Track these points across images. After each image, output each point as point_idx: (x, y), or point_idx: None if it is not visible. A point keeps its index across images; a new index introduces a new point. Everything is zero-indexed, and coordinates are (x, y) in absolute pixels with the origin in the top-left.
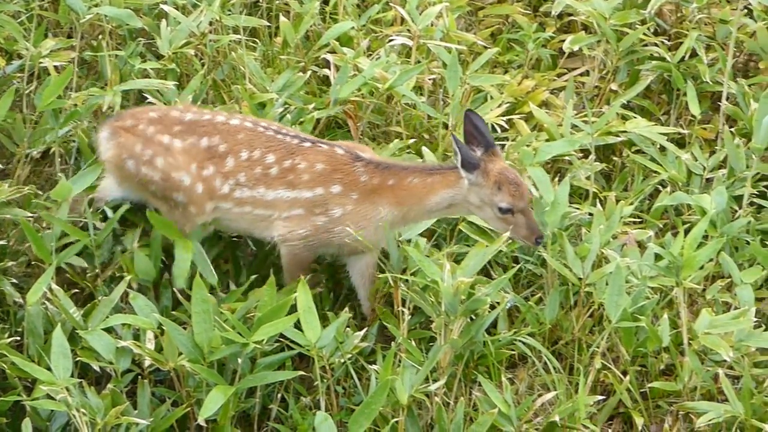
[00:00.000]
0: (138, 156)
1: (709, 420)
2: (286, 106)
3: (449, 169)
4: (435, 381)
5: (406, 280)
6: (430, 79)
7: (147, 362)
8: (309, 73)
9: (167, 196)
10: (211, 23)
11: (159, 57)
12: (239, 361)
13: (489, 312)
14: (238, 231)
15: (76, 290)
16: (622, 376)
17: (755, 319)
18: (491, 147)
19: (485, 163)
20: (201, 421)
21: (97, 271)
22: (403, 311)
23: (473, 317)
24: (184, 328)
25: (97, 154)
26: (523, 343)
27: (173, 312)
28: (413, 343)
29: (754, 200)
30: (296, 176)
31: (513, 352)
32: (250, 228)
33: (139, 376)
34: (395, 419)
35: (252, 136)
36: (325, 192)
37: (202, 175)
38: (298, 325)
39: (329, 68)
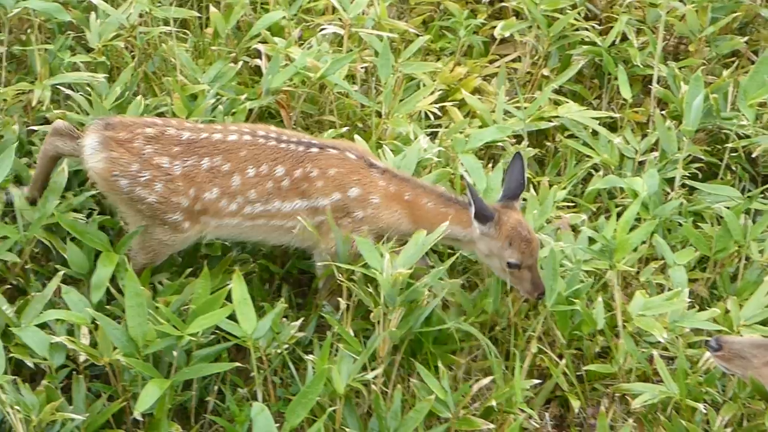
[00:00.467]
0: (134, 176)
1: (645, 401)
2: (218, 97)
3: (465, 206)
4: (374, 370)
5: (352, 271)
6: (362, 68)
7: (82, 357)
8: (240, 63)
9: (157, 216)
10: (140, 15)
11: (89, 50)
12: (175, 354)
13: (428, 301)
14: (248, 241)
15: (8, 286)
16: (558, 360)
17: (689, 300)
18: (512, 198)
19: (500, 215)
20: (137, 415)
21: (28, 266)
22: (339, 300)
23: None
24: (119, 323)
25: (81, 160)
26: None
27: (107, 306)
28: (351, 332)
29: (686, 182)
30: (310, 184)
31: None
32: (267, 238)
33: (74, 372)
34: (332, 408)
35: (255, 150)
36: (343, 197)
37: (202, 198)
38: (233, 317)
39: (261, 58)
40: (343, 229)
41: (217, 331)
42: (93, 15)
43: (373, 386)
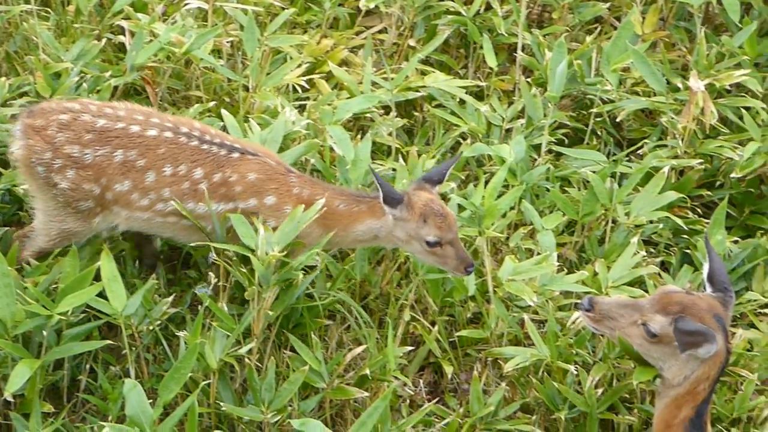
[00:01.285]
0: (48, 164)
1: (517, 364)
2: (82, 75)
3: (376, 199)
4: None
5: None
6: (227, 42)
7: None
8: (104, 40)
9: (70, 204)
10: None
11: None
12: (44, 333)
13: (303, 277)
14: (160, 236)
15: None
16: (431, 327)
17: (557, 264)
18: (427, 182)
19: (409, 196)
20: (8, 396)
21: None
22: (210, 275)
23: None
24: None
25: (8, 147)
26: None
27: None
28: (225, 308)
29: (553, 148)
30: (229, 189)
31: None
32: (177, 236)
33: None
34: (206, 382)
35: (175, 150)
36: (259, 203)
37: (113, 189)
38: (104, 295)
39: (124, 35)
40: None
41: (87, 310)
42: None
43: (247, 360)
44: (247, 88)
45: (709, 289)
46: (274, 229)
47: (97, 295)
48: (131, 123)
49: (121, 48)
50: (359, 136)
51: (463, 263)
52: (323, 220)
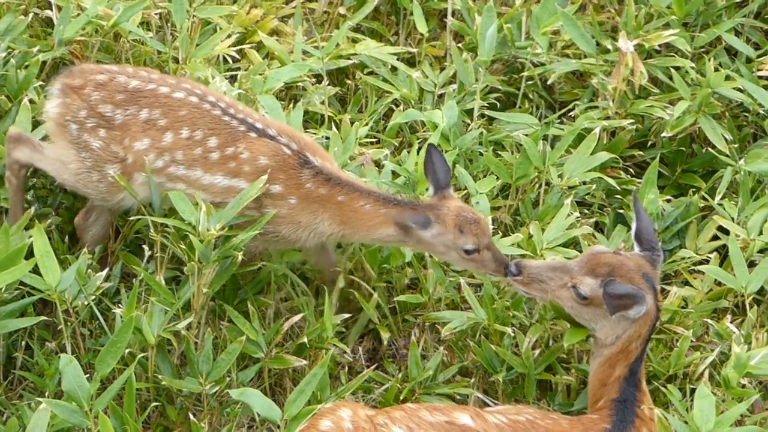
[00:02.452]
0: (82, 122)
1: (454, 328)
2: (9, 50)
3: (407, 206)
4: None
5: (165, 225)
6: (156, 14)
7: None
8: (31, 15)
9: (98, 167)
10: None
11: None
12: None
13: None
14: None
15: None
16: (372, 291)
17: (492, 227)
18: (444, 188)
19: (439, 210)
20: None
21: None
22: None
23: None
24: None
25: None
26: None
27: None
28: (162, 281)
29: (485, 112)
30: (237, 165)
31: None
32: None
33: None
34: (142, 355)
35: (195, 114)
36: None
37: (134, 148)
38: (37, 271)
39: (51, 9)
40: (247, 222)
41: (21, 287)
42: None
43: (184, 333)
44: (177, 60)
45: (637, 248)
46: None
47: (30, 272)
48: (161, 84)
49: (49, 23)
50: (291, 106)
51: (502, 264)
52: (342, 218)
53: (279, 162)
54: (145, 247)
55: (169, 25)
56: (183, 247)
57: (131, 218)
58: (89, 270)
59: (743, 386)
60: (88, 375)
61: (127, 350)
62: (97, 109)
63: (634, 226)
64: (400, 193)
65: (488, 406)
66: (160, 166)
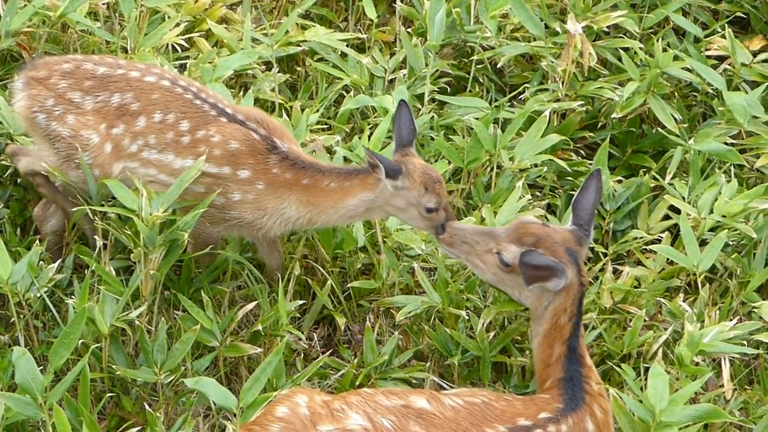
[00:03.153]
0: (49, 111)
1: (409, 313)
2: None
3: (367, 172)
4: (138, 308)
5: (105, 213)
6: (104, 4)
7: None
8: None
9: (71, 156)
10: None
11: None
12: None
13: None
14: None
15: None
16: (328, 275)
17: None
18: (407, 146)
19: (405, 165)
20: None
21: None
22: (96, 239)
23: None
24: None
25: (11, 104)
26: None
27: None
28: (112, 270)
29: (436, 97)
30: (208, 149)
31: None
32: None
33: None
34: (96, 345)
35: (168, 97)
36: (231, 173)
37: (111, 134)
38: None
39: None
40: (210, 207)
41: None
42: None
43: (137, 322)
44: (125, 50)
45: (570, 220)
46: (238, 203)
47: None
48: (131, 69)
49: None
50: (241, 94)
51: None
52: (309, 200)
53: (249, 147)
54: (97, 237)
55: (117, 14)
56: (128, 233)
57: (72, 210)
58: (41, 262)
59: (697, 364)
60: (41, 367)
61: (81, 341)
62: (65, 96)
63: (575, 196)
64: (359, 165)
65: (444, 389)
66: (134, 150)
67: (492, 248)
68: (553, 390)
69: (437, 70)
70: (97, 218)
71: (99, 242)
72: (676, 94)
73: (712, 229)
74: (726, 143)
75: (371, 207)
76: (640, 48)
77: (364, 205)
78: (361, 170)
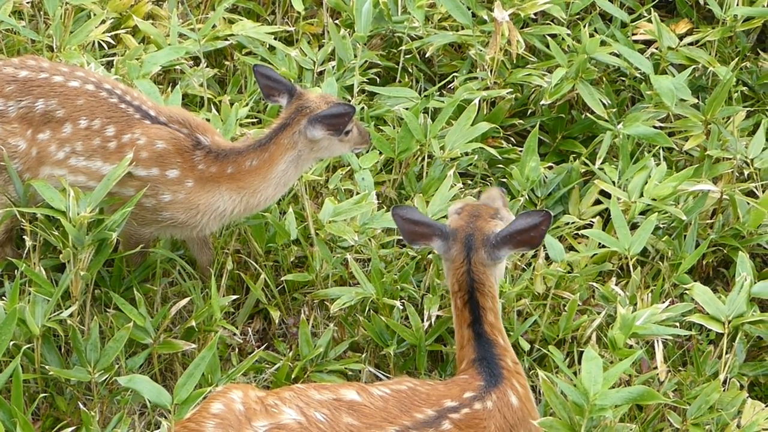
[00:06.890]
0: None
1: (343, 304)
2: None
3: (277, 133)
4: (69, 308)
5: (34, 214)
6: (28, 2)
7: None
8: None
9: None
10: None
11: None
12: None
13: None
14: None
15: None
16: (260, 269)
17: (377, 202)
18: (295, 90)
19: (308, 105)
20: None
21: None
22: (26, 239)
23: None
24: None
25: None
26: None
27: None
28: (42, 272)
29: (365, 88)
30: (135, 152)
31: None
32: None
33: None
34: (28, 346)
35: (93, 102)
36: (160, 174)
37: (37, 140)
38: None
39: None
40: (142, 210)
41: None
42: None
43: (69, 322)
44: (51, 48)
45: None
46: (170, 203)
47: None
48: (54, 73)
49: None
50: (170, 89)
51: (366, 135)
52: (238, 186)
53: (175, 145)
54: (26, 237)
55: (41, 13)
56: (56, 234)
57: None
58: None
59: (630, 347)
60: None
61: (12, 342)
62: None
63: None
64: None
65: (380, 380)
66: (61, 157)
67: None
68: (470, 370)
69: (366, 61)
70: (24, 220)
71: (28, 243)
72: (604, 79)
73: (642, 213)
74: (654, 127)
75: (298, 163)
76: (568, 34)
77: (292, 165)
78: (272, 135)
